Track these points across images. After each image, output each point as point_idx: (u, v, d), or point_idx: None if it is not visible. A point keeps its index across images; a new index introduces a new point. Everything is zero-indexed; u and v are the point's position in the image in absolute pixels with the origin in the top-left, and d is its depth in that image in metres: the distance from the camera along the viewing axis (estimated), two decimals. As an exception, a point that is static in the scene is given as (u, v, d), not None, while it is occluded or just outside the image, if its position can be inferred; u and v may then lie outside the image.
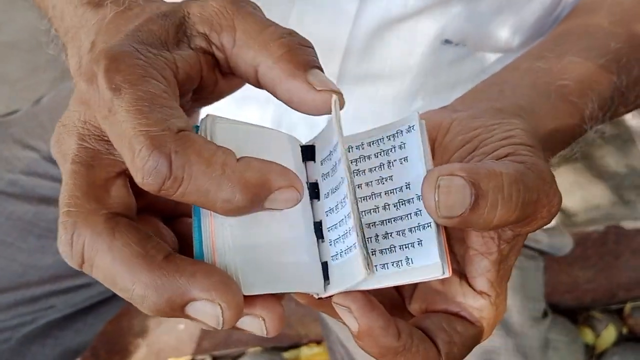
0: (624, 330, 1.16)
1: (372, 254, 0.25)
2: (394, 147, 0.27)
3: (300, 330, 1.05)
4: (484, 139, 0.30)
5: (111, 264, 0.23)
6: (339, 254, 0.25)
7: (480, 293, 0.29)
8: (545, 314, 0.64)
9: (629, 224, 0.97)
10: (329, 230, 0.26)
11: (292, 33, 0.26)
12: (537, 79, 0.37)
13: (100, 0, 0.30)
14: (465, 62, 0.54)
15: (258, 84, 0.27)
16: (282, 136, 0.28)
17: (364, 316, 0.26)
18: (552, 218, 0.29)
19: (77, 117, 0.25)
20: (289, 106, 0.26)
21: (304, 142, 0.28)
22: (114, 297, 0.69)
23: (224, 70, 0.27)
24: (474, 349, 0.56)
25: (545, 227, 0.62)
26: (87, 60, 0.27)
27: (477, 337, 0.29)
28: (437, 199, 0.24)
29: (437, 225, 0.25)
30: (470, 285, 0.29)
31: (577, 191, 0.96)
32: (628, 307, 1.17)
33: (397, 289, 0.31)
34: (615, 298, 1.16)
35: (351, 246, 0.24)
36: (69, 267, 0.60)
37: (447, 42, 0.51)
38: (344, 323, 0.28)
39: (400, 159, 0.27)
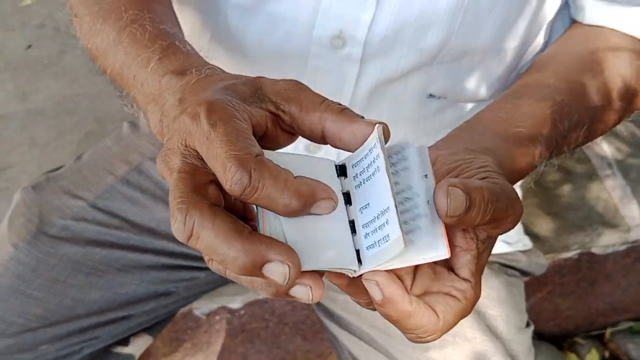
0: (606, 354, 1.25)
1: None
2: (399, 160, 0.38)
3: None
4: (464, 168, 0.41)
5: (214, 237, 0.32)
6: (375, 243, 0.35)
7: (464, 279, 0.39)
8: (527, 324, 0.74)
9: (599, 250, 1.08)
10: (362, 227, 0.36)
11: (340, 103, 0.38)
12: (498, 126, 0.49)
13: (183, 69, 0.41)
14: (447, 111, 0.66)
15: (321, 139, 0.38)
16: (321, 160, 0.38)
17: (387, 287, 0.36)
18: (516, 224, 0.40)
19: (180, 143, 0.36)
20: (349, 148, 0.37)
21: (336, 161, 0.39)
22: (148, 328, 0.78)
23: (284, 128, 0.38)
24: (468, 352, 0.66)
25: (523, 249, 0.73)
26: (178, 111, 0.37)
27: (464, 310, 0.40)
28: (449, 203, 0.35)
29: (439, 221, 0.36)
30: (456, 274, 0.40)
31: (549, 220, 1.08)
32: (608, 332, 1.27)
33: (401, 279, 0.41)
34: (595, 324, 1.26)
35: (386, 235, 0.34)
36: (112, 300, 0.70)
37: (431, 96, 0.64)
38: (364, 303, 0.38)
39: (403, 168, 0.38)
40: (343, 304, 0.73)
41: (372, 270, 0.36)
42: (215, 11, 0.64)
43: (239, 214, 0.37)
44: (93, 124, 1.26)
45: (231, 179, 0.32)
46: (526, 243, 0.77)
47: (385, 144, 0.36)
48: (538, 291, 1.13)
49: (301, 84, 0.38)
